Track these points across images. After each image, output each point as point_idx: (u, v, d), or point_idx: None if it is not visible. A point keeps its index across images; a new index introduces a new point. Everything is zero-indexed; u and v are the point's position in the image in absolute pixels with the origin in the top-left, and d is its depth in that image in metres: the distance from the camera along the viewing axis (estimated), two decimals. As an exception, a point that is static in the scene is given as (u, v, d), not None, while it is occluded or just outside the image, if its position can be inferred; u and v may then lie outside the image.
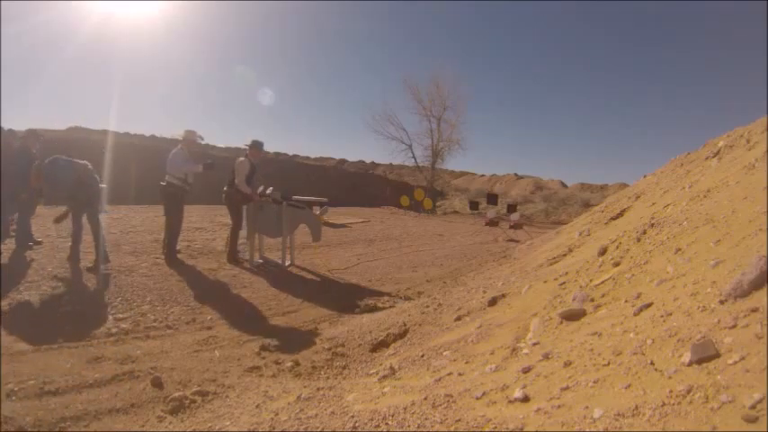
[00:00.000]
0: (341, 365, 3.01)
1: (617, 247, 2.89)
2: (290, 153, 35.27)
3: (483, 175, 38.18)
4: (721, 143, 4.64)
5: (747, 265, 1.40)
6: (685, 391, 1.07)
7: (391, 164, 35.11)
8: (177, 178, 5.42)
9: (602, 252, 3.00)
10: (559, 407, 1.29)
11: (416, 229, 11.71)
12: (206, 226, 7.95)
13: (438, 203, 26.13)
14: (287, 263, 5.96)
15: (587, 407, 1.21)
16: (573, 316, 2.12)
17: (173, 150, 5.58)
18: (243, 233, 5.92)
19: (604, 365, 1.42)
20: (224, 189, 5.83)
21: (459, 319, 3.25)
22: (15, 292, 3.79)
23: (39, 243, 5.46)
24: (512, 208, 14.50)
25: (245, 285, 4.88)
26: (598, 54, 64.52)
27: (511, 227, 12.11)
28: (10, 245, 5.18)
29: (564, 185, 32.84)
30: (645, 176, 7.67)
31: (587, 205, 21.98)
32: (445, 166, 28.56)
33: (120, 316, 3.64)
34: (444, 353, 2.53)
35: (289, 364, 2.98)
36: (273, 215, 5.86)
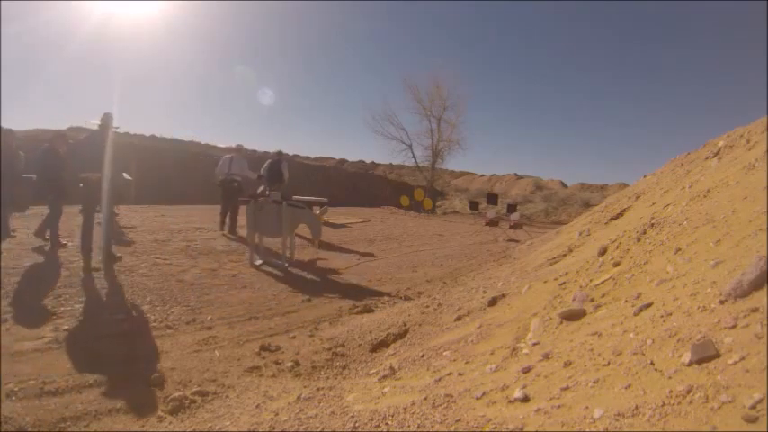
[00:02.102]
0: (341, 365, 3.01)
1: (617, 247, 2.89)
2: (290, 153, 35.21)
3: (483, 175, 38.18)
4: (721, 143, 4.64)
5: (747, 265, 1.40)
6: (685, 391, 1.07)
7: (391, 164, 35.08)
8: (240, 177, 7.46)
9: (602, 252, 3.00)
10: (559, 407, 1.29)
11: (416, 229, 11.70)
12: (206, 226, 7.95)
13: (438, 203, 26.10)
14: (287, 263, 5.96)
15: (587, 407, 1.21)
16: (573, 316, 2.12)
17: (231, 156, 7.59)
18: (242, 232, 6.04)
19: (604, 365, 1.42)
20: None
21: (459, 319, 3.25)
22: (16, 292, 3.79)
23: (45, 243, 5.50)
24: (512, 208, 14.45)
25: (245, 285, 4.88)
26: (598, 54, 64.46)
27: (511, 227, 12.11)
28: (10, 245, 5.19)
29: (564, 185, 32.82)
30: (645, 176, 7.67)
31: (587, 205, 21.98)
32: (445, 166, 28.50)
33: (121, 316, 3.64)
34: (444, 353, 2.53)
35: (289, 364, 2.99)
36: (273, 215, 5.87)
